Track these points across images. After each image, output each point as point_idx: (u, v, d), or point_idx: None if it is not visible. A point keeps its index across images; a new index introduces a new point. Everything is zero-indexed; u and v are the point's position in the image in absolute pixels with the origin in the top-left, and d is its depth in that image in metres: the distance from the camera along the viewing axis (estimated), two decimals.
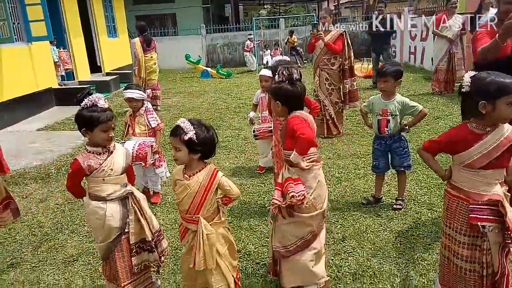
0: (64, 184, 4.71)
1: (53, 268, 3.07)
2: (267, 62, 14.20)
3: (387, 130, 3.56)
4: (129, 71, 12.89)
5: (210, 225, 2.23)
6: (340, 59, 5.86)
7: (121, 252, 2.47)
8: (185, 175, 2.22)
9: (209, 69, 14.04)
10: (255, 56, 14.98)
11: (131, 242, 2.43)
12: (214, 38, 16.89)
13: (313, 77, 6.09)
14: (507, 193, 2.10)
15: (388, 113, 3.53)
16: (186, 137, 2.10)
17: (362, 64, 11.82)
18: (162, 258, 2.55)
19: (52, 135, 6.82)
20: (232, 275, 2.34)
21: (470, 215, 2.04)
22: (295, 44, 15.11)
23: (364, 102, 3.79)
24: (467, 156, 2.04)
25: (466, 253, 2.09)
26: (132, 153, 3.63)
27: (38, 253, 3.31)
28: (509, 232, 1.97)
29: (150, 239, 2.42)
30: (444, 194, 2.23)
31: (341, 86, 5.98)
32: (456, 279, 2.18)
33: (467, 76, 2.05)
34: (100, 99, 2.31)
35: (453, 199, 2.14)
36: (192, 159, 2.18)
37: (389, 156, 3.68)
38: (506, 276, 2.04)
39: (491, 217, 2.01)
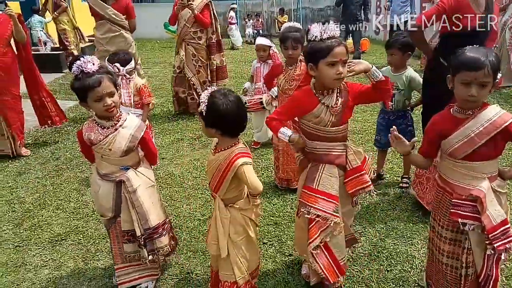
0: (43, 156, 4.37)
1: (39, 248, 2.79)
2: (249, 34, 13.82)
3: (391, 105, 3.40)
4: None
5: (230, 207, 1.97)
6: (207, 33, 5.46)
7: (115, 234, 2.26)
8: (214, 149, 1.99)
9: None
10: (239, 31, 14.19)
11: (122, 229, 2.20)
12: None
13: (177, 52, 5.55)
14: (502, 191, 1.85)
15: (394, 87, 3.36)
16: (198, 109, 1.88)
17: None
18: (155, 257, 2.22)
19: (25, 103, 6.31)
20: (243, 270, 2.01)
21: (451, 210, 1.83)
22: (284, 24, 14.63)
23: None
24: (448, 144, 1.82)
25: (448, 248, 1.92)
26: None
27: (21, 231, 3.01)
28: (487, 234, 1.76)
29: (139, 234, 2.14)
30: (434, 184, 2.06)
31: (209, 63, 5.58)
32: (438, 274, 2.03)
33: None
34: (88, 63, 1.99)
35: (439, 190, 1.97)
36: (211, 133, 1.92)
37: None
38: (493, 281, 1.85)
39: (473, 215, 1.78)
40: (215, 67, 5.60)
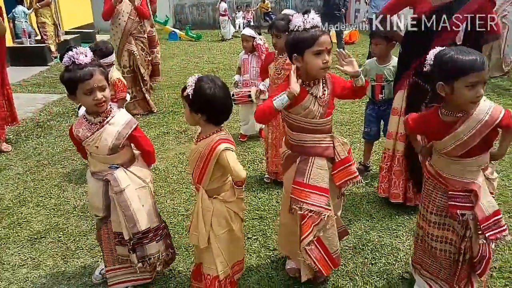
0: (24, 151, 4.27)
1: (17, 246, 2.72)
2: (239, 25, 13.66)
3: (381, 97, 3.36)
4: (91, 30, 12.00)
5: (213, 198, 1.93)
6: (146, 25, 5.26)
7: (107, 234, 2.18)
8: (197, 138, 1.96)
9: (177, 30, 13.30)
10: (232, 23, 13.67)
11: (113, 230, 2.12)
12: None
13: (120, 50, 5.06)
14: (491, 177, 1.91)
15: (383, 79, 3.32)
16: (184, 93, 1.83)
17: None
18: (145, 265, 2.12)
19: None
20: (224, 265, 1.99)
21: (449, 203, 1.86)
22: (269, 10, 14.51)
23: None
24: (442, 145, 1.83)
25: (439, 233, 1.95)
26: None
27: None
28: (479, 224, 1.80)
29: (127, 238, 2.05)
30: (423, 170, 2.05)
31: (151, 57, 5.37)
32: (428, 258, 2.05)
33: (431, 53, 1.80)
34: (80, 54, 1.89)
35: (431, 179, 1.96)
36: (195, 120, 1.88)
37: (382, 123, 3.51)
38: (486, 259, 1.90)
39: (470, 205, 1.82)
40: (158, 62, 5.45)
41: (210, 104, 1.82)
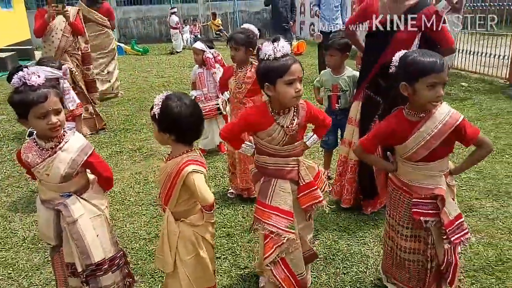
0: None
1: None
2: (187, 39, 13.55)
3: (338, 106, 3.44)
4: (29, 47, 11.34)
5: (181, 221, 1.84)
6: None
7: (60, 263, 2.01)
8: (167, 157, 1.88)
9: (122, 45, 12.93)
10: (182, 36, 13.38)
11: (65, 261, 1.95)
12: (126, 11, 15.60)
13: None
14: (451, 184, 1.96)
15: (338, 89, 3.41)
16: (151, 112, 1.76)
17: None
18: None
19: None
20: None
21: (412, 210, 1.88)
22: (220, 27, 14.56)
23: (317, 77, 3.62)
24: (405, 149, 1.87)
25: (409, 245, 1.98)
26: None
27: None
28: (444, 228, 1.85)
29: (80, 270, 1.88)
30: (388, 182, 2.10)
31: (85, 74, 5.35)
32: (398, 268, 2.09)
33: (397, 55, 1.88)
34: (32, 75, 1.71)
35: (396, 190, 2.01)
36: (164, 139, 1.80)
37: (339, 131, 3.59)
38: (453, 266, 1.96)
39: (433, 212, 1.86)
40: (94, 78, 5.44)
41: (177, 123, 1.74)
